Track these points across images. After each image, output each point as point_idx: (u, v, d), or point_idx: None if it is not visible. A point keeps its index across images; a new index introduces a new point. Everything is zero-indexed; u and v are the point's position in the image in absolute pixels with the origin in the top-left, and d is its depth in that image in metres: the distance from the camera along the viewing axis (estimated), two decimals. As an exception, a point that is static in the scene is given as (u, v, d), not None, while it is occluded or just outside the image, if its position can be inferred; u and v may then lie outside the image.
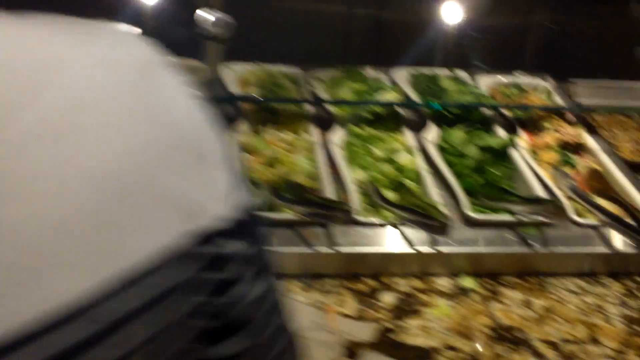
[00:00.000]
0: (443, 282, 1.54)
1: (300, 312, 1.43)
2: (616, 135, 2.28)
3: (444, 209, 1.61)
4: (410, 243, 1.55)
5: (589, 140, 1.98)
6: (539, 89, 2.22)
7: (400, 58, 2.33)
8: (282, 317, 0.64)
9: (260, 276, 0.59)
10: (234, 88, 2.10)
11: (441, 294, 1.50)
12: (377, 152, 1.84)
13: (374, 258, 1.55)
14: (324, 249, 1.53)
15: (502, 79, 2.25)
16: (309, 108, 2.02)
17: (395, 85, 2.17)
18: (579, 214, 1.68)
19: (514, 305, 1.48)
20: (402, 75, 2.23)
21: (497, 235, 1.60)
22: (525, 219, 1.59)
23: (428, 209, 1.56)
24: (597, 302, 1.51)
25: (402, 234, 1.58)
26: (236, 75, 2.16)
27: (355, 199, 1.66)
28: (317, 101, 2.01)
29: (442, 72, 2.23)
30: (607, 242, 1.60)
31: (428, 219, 1.51)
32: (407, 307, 1.46)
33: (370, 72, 2.24)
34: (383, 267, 1.55)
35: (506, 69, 2.38)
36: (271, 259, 0.62)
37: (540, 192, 1.70)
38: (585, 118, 2.13)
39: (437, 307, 1.46)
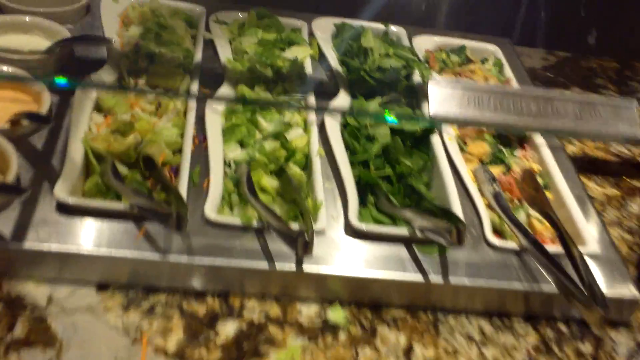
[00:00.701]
0: (308, 312, 1.19)
1: (105, 343, 1.08)
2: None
3: (317, 214, 1.25)
4: (269, 256, 1.19)
5: (536, 129, 1.59)
6: (488, 59, 1.82)
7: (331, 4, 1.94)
8: None
9: None
10: (112, 26, 1.69)
11: (300, 328, 1.15)
12: (265, 124, 1.46)
13: (220, 272, 1.18)
14: (156, 255, 1.17)
15: (447, 41, 1.85)
16: (197, 57, 1.63)
17: (312, 39, 1.77)
18: (500, 231, 1.32)
19: (388, 354, 1.13)
20: (325, 26, 1.82)
21: (389, 254, 1.24)
22: (423, 235, 1.22)
23: (291, 214, 1.20)
24: (499, 358, 1.16)
25: (263, 242, 1.21)
26: (118, 10, 1.75)
27: (217, 187, 1.29)
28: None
29: (372, 26, 1.82)
30: (526, 274, 1.24)
31: (286, 229, 1.15)
32: (248, 346, 1.11)
33: (289, 19, 1.83)
34: (233, 284, 1.20)
35: (462, 28, 1.99)
36: None
37: (454, 198, 1.34)
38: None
39: (286, 350, 1.10)
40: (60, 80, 1.36)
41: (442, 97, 1.09)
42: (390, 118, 1.19)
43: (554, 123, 1.10)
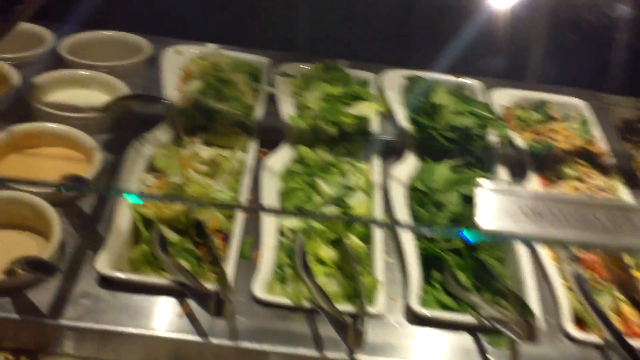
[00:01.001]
0: (360, 406, 1.07)
1: None
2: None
3: (375, 295, 1.13)
4: (320, 343, 1.08)
5: (626, 198, 1.44)
6: (572, 115, 1.67)
7: (402, 54, 1.83)
8: None
9: None
10: (172, 80, 1.64)
11: None
12: (325, 187, 1.37)
13: (266, 358, 1.09)
14: (198, 337, 1.08)
15: (527, 95, 1.72)
16: (259, 113, 1.55)
17: (381, 93, 1.67)
18: (581, 318, 1.18)
19: None
20: (395, 78, 1.72)
21: (453, 343, 1.11)
22: (491, 325, 1.09)
23: (348, 289, 1.09)
24: None
25: (314, 325, 1.11)
26: (180, 62, 1.70)
27: (268, 262, 1.20)
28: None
29: (446, 79, 1.71)
30: (611, 373, 1.09)
31: (337, 314, 1.04)
32: None
33: (357, 71, 1.74)
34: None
35: (545, 77, 1.84)
36: None
37: (529, 277, 1.20)
38: (629, 160, 1.59)
39: None
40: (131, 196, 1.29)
41: (493, 208, 0.92)
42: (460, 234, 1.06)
43: (632, 241, 0.89)
